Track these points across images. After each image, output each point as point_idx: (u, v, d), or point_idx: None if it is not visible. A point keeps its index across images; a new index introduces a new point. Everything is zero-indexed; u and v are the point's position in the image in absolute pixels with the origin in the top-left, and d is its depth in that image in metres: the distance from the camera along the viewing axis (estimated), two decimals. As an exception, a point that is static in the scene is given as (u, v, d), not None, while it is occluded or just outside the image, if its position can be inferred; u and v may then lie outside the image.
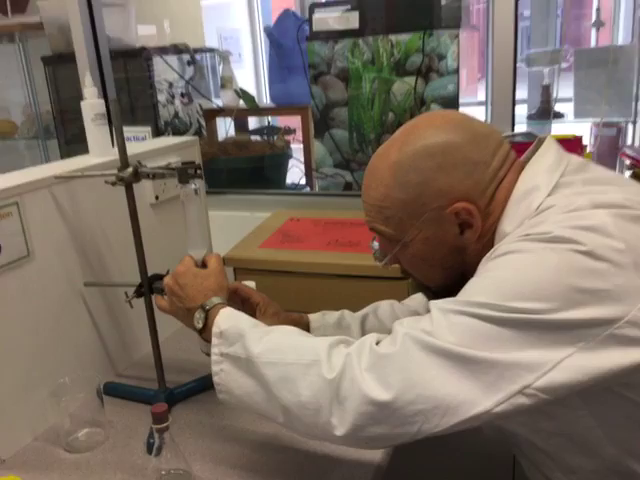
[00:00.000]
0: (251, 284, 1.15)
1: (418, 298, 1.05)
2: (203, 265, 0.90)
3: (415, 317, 0.69)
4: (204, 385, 1.03)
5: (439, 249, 0.76)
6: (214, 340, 0.77)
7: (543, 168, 0.73)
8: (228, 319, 0.78)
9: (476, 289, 0.66)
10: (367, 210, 0.78)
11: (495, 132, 0.76)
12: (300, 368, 0.69)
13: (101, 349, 1.09)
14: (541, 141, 0.78)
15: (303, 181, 2.06)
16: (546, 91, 2.05)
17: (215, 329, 0.78)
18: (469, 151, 0.72)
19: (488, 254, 0.69)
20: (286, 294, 1.34)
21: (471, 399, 0.61)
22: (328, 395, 0.66)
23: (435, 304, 0.67)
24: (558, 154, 0.75)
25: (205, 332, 0.81)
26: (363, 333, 0.97)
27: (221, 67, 2.30)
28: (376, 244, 0.85)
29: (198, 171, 0.89)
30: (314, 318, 0.98)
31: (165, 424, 0.79)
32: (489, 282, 0.65)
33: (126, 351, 1.15)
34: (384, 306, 1.03)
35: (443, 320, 0.64)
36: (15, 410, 0.92)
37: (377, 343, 0.67)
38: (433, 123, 0.75)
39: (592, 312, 0.59)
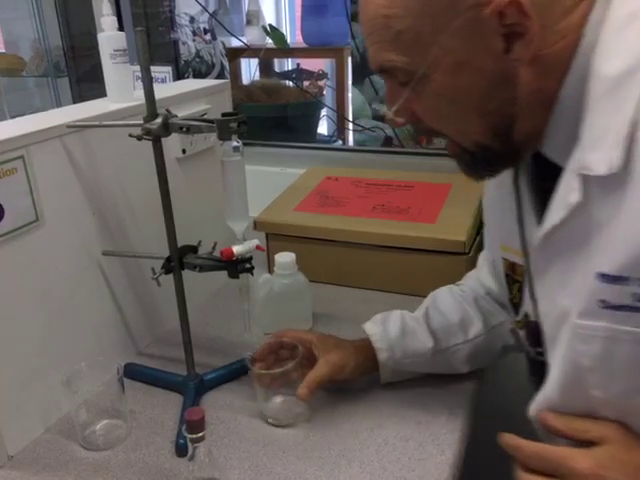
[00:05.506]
0: (290, 256, 1.01)
1: (475, 275, 0.91)
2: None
3: None
4: (237, 371, 0.91)
5: (476, 80, 0.53)
6: None
7: None
8: None
9: None
10: (368, 33, 0.55)
11: None
12: None
13: (121, 325, 0.96)
14: None
15: (328, 133, 1.87)
16: None
17: None
18: None
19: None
20: (325, 266, 1.19)
21: None
22: None
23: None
24: None
25: None
26: (432, 333, 0.83)
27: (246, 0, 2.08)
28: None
29: (242, 125, 0.73)
30: (376, 338, 0.82)
31: (202, 433, 0.66)
32: None
33: (148, 327, 1.02)
34: (442, 295, 0.88)
35: None
36: (24, 397, 0.80)
37: None
38: None
39: None
